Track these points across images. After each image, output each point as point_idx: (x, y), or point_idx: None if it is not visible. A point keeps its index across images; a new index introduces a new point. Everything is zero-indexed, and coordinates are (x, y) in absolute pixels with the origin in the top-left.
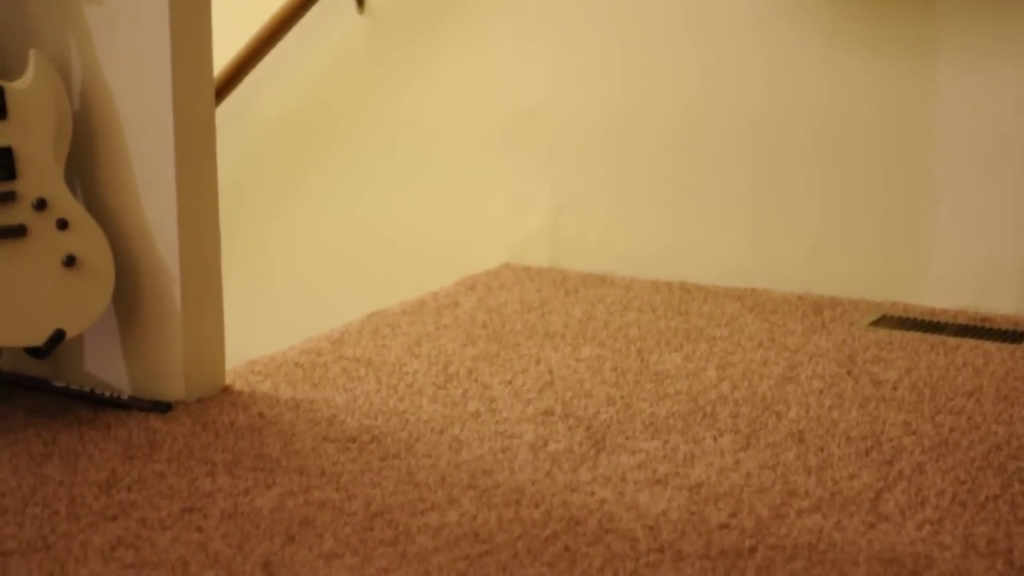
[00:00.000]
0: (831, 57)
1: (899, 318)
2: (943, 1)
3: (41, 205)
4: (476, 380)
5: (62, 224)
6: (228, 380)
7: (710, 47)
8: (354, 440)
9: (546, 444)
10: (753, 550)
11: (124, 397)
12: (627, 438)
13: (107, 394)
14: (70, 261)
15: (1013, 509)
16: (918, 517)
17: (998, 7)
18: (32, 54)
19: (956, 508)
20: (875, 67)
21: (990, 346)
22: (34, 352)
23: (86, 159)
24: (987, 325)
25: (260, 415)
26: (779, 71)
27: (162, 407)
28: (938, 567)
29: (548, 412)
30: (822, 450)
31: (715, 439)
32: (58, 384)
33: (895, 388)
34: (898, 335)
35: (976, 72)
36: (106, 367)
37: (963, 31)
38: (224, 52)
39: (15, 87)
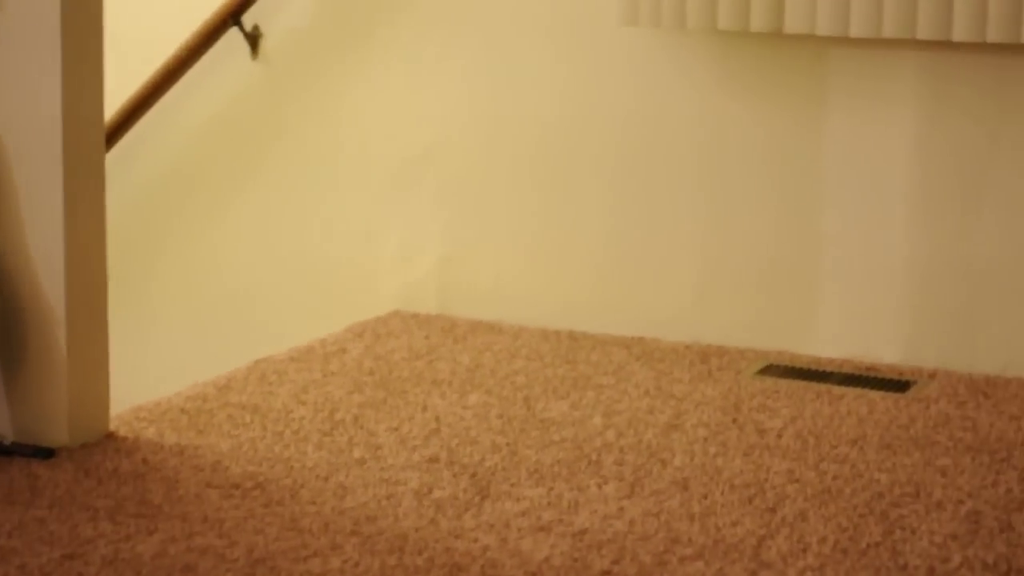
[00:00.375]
0: (718, 103)
1: (785, 367)
2: (834, 49)
3: None
4: (362, 427)
5: None
6: (113, 426)
7: (593, 90)
8: (238, 487)
9: (431, 491)
10: None
11: (6, 443)
12: (512, 485)
13: None
14: None
15: (894, 556)
16: (800, 564)
17: (887, 56)
18: None
19: (838, 555)
20: (763, 113)
21: (875, 395)
22: None
23: None
24: (872, 374)
25: (144, 461)
26: (664, 117)
27: (45, 453)
28: None
29: (433, 459)
30: (706, 497)
31: (600, 486)
32: None
33: (780, 436)
34: (784, 384)
35: (864, 120)
36: None
37: (852, 78)
38: (117, 96)
39: None
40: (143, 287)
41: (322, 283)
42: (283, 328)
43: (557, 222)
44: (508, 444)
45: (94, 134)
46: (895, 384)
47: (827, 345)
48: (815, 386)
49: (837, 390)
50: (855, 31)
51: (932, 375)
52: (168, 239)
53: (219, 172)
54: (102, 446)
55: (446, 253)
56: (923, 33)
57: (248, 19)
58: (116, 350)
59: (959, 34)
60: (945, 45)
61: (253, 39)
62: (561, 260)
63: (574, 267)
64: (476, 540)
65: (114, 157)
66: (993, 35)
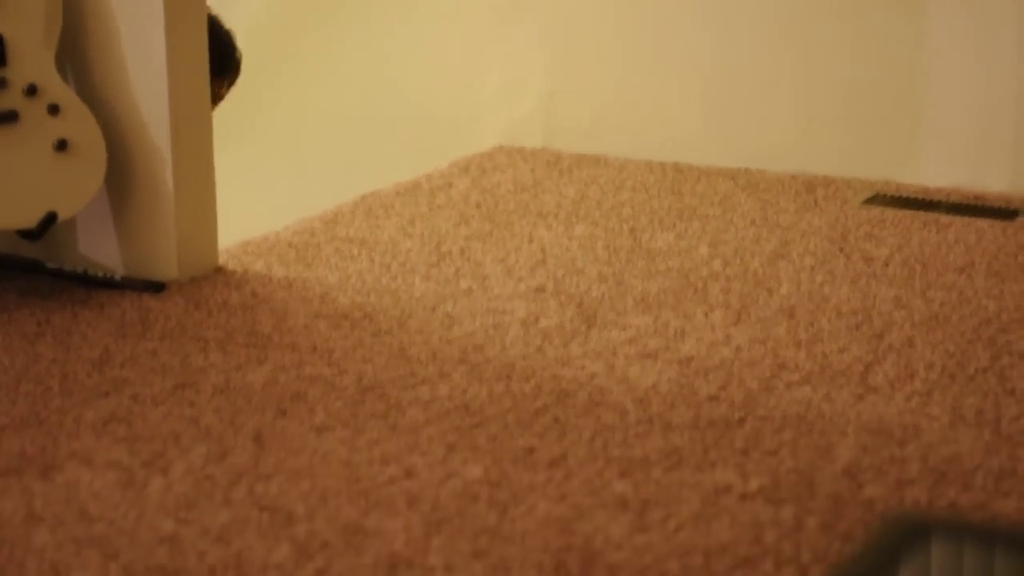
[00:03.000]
0: None
1: (892, 196)
2: None
3: (32, 91)
4: (469, 259)
5: (53, 109)
6: (221, 260)
7: None
8: (346, 317)
9: (537, 320)
10: (742, 421)
11: (117, 277)
12: (618, 314)
13: (100, 275)
14: (62, 145)
15: (1002, 381)
16: (907, 389)
17: None
18: None
19: (945, 380)
20: None
21: (982, 223)
22: (27, 234)
23: (76, 44)
24: (980, 203)
25: (253, 294)
26: None
27: (155, 287)
28: (926, 436)
29: (540, 289)
30: (812, 325)
31: (706, 315)
32: (51, 265)
33: (886, 264)
34: (891, 213)
35: None
36: (99, 249)
37: None
38: None
39: None
40: (248, 124)
41: (426, 120)
42: (388, 165)
43: (661, 54)
44: (614, 274)
45: None
46: (1003, 212)
47: (934, 174)
48: (922, 215)
49: (944, 219)
50: None
51: None
52: (270, 76)
53: (323, 9)
54: (211, 280)
55: (550, 88)
56: None
57: None
58: (223, 187)
59: None
60: None
61: None
62: (665, 92)
63: (679, 99)
64: (583, 367)
65: None
66: None
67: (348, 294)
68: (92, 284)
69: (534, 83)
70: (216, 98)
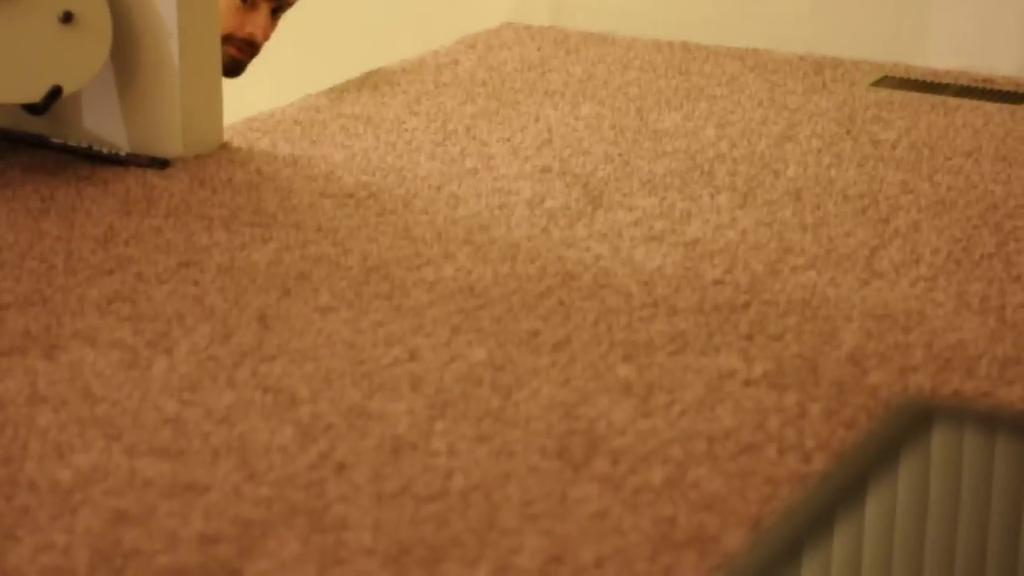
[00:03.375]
0: None
1: (901, 79)
2: None
3: None
4: (474, 137)
5: None
6: (226, 137)
7: None
8: (351, 196)
9: (543, 201)
10: (747, 305)
11: (122, 154)
12: (624, 195)
13: (105, 150)
14: (67, 18)
15: (1007, 267)
16: (912, 274)
17: None
18: None
19: (951, 266)
20: None
21: (990, 107)
22: (32, 109)
23: None
24: (988, 86)
25: (258, 171)
26: None
27: (160, 163)
28: (930, 322)
29: (546, 169)
30: (819, 208)
31: (712, 196)
32: (56, 140)
33: (894, 147)
34: (899, 95)
35: None
36: (104, 124)
37: None
38: None
39: None
40: None
41: None
42: (393, 41)
43: None
44: (620, 154)
45: None
46: (1011, 96)
47: (943, 57)
48: (930, 98)
49: (953, 102)
50: None
51: None
52: None
53: None
54: (216, 157)
55: None
56: None
57: None
58: None
59: None
60: None
61: None
62: None
63: None
64: (588, 249)
65: None
66: None
67: (353, 173)
68: (97, 160)
69: None
70: (285, 5)
